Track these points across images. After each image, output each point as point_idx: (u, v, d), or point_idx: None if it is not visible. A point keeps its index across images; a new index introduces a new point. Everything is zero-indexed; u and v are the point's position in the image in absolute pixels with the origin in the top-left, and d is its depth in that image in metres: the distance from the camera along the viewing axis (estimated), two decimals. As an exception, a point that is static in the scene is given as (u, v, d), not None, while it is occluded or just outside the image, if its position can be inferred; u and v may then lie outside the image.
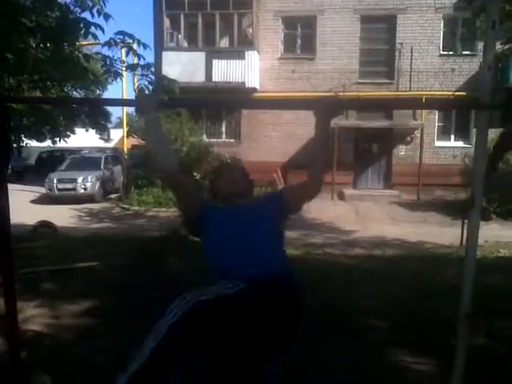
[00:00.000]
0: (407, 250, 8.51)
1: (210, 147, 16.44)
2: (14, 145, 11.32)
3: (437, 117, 17.43)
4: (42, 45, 5.60)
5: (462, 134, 17.25)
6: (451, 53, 16.82)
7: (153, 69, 5.68)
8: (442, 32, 17.16)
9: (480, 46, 14.52)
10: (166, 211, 13.70)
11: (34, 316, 4.35)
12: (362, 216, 13.84)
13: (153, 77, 5.59)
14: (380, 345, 3.73)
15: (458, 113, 16.93)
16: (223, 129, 18.57)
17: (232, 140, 18.29)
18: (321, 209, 14.73)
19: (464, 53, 16.60)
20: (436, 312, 4.13)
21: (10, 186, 2.13)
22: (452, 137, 17.70)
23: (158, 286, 5.25)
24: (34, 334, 3.92)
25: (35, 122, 9.98)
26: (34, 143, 17.71)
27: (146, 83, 5.45)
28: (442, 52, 17.14)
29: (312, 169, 2.19)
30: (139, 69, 5.53)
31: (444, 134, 17.73)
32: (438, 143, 17.63)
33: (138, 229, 11.24)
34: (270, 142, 17.46)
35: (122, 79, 6.70)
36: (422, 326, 3.93)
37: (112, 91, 54.12)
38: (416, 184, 16.77)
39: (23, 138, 12.26)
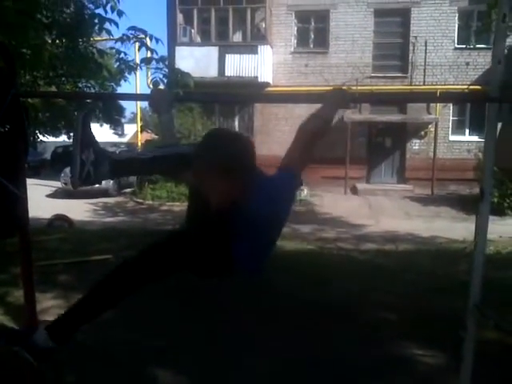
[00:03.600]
0: (420, 245, 8.48)
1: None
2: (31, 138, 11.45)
3: (451, 111, 17.25)
4: (57, 41, 5.67)
5: (477, 128, 17.04)
6: (466, 46, 16.60)
7: (167, 62, 5.69)
8: (456, 25, 16.93)
9: (496, 39, 14.25)
10: (180, 205, 13.79)
11: (49, 307, 4.43)
12: (375, 210, 13.80)
13: (167, 70, 5.61)
14: (391, 337, 3.76)
15: (472, 107, 16.73)
16: (236, 123, 18.58)
17: (245, 134, 18.30)
18: (334, 203, 14.75)
19: (479, 46, 16.35)
20: (447, 306, 4.14)
21: (27, 181, 2.18)
22: (467, 131, 17.51)
23: (170, 279, 5.32)
24: (50, 325, 4.00)
25: (50, 117, 10.09)
26: (49, 138, 17.90)
27: (161, 76, 5.46)
28: (456, 45, 16.91)
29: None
30: (153, 62, 5.55)
31: (459, 128, 17.55)
32: (452, 137, 17.45)
33: (151, 223, 11.35)
34: (283, 137, 17.39)
35: (135, 73, 6.74)
36: (433, 320, 3.94)
37: (125, 87, 54.41)
38: (430, 178, 16.66)
39: (38, 134, 12.39)
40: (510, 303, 3.74)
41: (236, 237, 1.75)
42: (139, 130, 20.31)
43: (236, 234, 1.74)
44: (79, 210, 13.01)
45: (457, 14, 16.86)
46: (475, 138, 16.99)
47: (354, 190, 16.86)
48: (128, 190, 18.08)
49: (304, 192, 15.06)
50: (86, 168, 1.85)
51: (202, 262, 1.85)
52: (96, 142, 1.94)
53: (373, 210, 14.02)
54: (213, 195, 1.68)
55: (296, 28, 17.93)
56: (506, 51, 2.24)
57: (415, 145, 17.64)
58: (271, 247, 1.90)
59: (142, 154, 2.01)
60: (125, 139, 36.47)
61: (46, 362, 1.83)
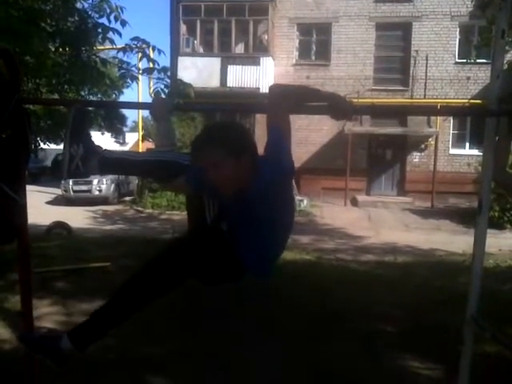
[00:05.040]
0: (419, 257, 8.47)
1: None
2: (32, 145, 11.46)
3: (452, 124, 17.32)
4: (61, 49, 5.71)
5: (477, 142, 17.10)
6: (467, 61, 16.69)
7: (169, 73, 5.74)
8: (457, 40, 17.08)
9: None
10: (179, 214, 13.79)
11: (46, 314, 4.43)
12: (375, 222, 13.79)
13: (168, 80, 5.65)
14: (389, 350, 3.74)
15: (472, 121, 16.79)
16: (237, 133, 18.63)
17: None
18: (333, 214, 14.75)
19: (479, 61, 16.45)
20: (445, 318, 4.13)
21: (27, 187, 2.19)
22: (467, 145, 17.57)
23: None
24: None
25: (52, 124, 10.13)
26: (50, 146, 17.99)
27: (162, 87, 5.50)
28: (457, 60, 17.04)
29: None
30: (155, 72, 5.59)
31: (459, 141, 17.61)
32: (452, 151, 17.52)
33: (150, 231, 11.34)
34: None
35: (137, 83, 6.79)
36: (431, 332, 3.93)
37: (127, 96, 54.72)
38: (430, 191, 16.67)
39: (40, 142, 12.42)
40: (508, 316, 3.74)
41: (241, 238, 1.74)
42: (140, 138, 20.36)
43: (241, 234, 1.73)
44: (78, 218, 13.01)
45: (458, 29, 17.00)
46: (475, 152, 17.01)
47: (354, 202, 16.87)
48: (128, 198, 18.09)
49: (304, 203, 15.07)
50: (74, 161, 1.91)
51: (209, 268, 1.83)
52: (88, 137, 1.97)
53: (372, 221, 14.02)
54: (219, 182, 1.69)
55: (298, 40, 18.07)
56: (506, 66, 2.26)
57: (415, 157, 17.69)
58: (280, 244, 1.85)
59: (134, 156, 2.05)
60: (126, 148, 36.52)
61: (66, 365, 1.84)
